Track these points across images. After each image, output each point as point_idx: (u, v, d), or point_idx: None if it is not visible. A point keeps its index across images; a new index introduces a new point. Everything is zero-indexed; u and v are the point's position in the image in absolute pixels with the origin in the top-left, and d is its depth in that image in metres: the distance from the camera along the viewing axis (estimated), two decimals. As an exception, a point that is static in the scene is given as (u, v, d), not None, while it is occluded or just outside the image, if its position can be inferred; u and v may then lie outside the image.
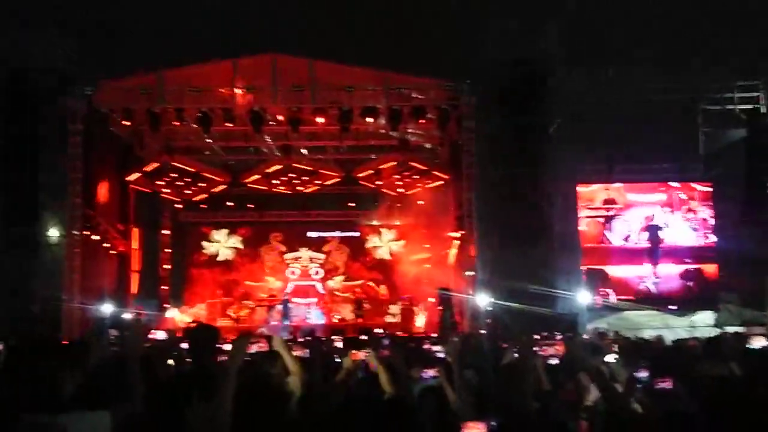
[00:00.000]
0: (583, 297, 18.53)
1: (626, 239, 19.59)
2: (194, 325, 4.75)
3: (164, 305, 23.56)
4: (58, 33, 18.75)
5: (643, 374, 4.53)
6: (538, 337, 10.52)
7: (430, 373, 5.26)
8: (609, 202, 19.65)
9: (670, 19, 23.85)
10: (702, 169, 20.16)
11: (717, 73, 19.61)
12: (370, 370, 5.44)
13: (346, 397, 4.66)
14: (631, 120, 19.25)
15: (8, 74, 18.09)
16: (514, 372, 4.48)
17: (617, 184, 19.88)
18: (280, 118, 20.09)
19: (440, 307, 19.93)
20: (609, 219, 19.61)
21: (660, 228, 19.45)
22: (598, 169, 20.35)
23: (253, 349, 4.41)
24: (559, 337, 9.55)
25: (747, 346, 6.59)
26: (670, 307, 19.08)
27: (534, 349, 4.41)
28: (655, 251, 19.34)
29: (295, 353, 5.30)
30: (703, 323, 18.76)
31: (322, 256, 25.65)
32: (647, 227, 19.48)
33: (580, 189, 19.68)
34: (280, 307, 23.16)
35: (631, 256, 19.57)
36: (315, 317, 23.93)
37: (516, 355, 5.20)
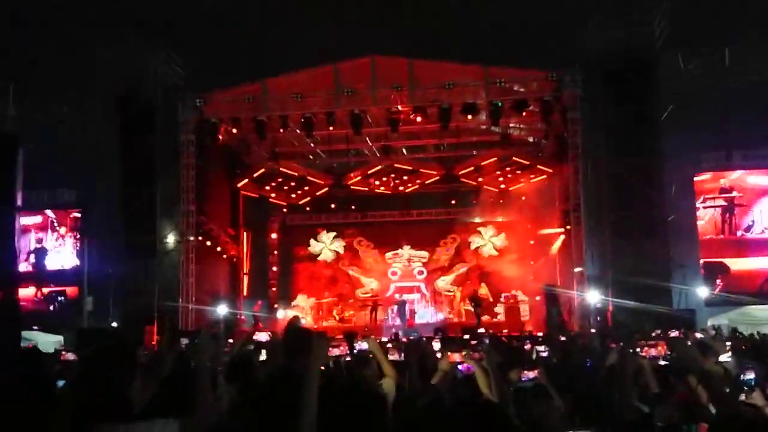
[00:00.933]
0: (701, 292, 17.47)
1: (748, 229, 18.29)
2: (287, 327, 4.78)
3: (274, 306, 24.29)
4: (167, 48, 19.77)
5: (749, 375, 4.13)
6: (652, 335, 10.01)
7: (530, 375, 5.06)
8: (727, 190, 18.40)
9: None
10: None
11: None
12: (468, 372, 5.31)
13: (440, 399, 4.55)
14: (750, 103, 17.97)
15: (123, 90, 19.25)
16: (616, 374, 4.22)
17: (738, 172, 18.58)
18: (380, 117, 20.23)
19: (546, 305, 19.33)
20: (728, 208, 18.36)
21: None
22: (716, 156, 19.15)
23: (335, 352, 4.38)
24: (674, 333, 9.02)
25: None
26: None
27: (636, 350, 4.11)
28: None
29: (391, 356, 5.26)
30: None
31: (425, 254, 25.49)
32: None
33: (697, 178, 18.57)
34: (395, 307, 23.15)
35: (756, 246, 18.25)
36: (422, 316, 23.77)
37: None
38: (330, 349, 4.09)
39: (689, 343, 6.30)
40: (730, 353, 5.67)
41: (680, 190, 18.73)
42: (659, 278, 16.81)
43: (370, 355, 5.18)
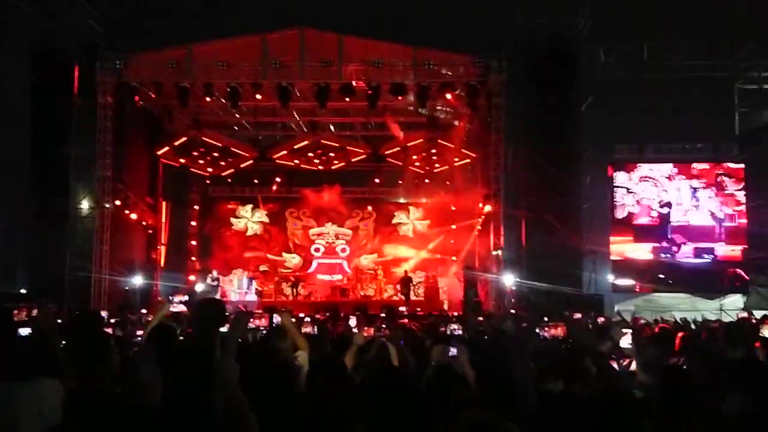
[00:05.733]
0: (610, 278, 18.31)
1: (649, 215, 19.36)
2: (202, 298, 4.78)
3: (190, 278, 23.89)
4: (87, 4, 18.80)
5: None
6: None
7: (454, 351, 5.20)
8: (640, 179, 19.33)
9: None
10: (737, 149, 19.65)
11: (755, 53, 18.99)
12: (383, 347, 5.43)
13: (354, 372, 4.66)
14: (666, 98, 18.82)
15: (37, 46, 18.18)
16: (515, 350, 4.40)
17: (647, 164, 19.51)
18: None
19: (465, 287, 19.81)
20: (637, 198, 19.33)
21: (671, 205, 19.13)
22: (631, 148, 19.99)
23: (255, 323, 4.41)
24: (577, 316, 9.44)
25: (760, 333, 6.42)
26: (686, 289, 18.78)
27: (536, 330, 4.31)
28: (665, 229, 19.05)
29: (304, 330, 5.33)
30: (732, 306, 18.42)
31: (349, 232, 25.61)
32: (665, 204, 19.20)
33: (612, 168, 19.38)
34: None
35: (654, 234, 19.25)
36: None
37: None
38: (250, 321, 4.10)
39: (590, 326, 6.60)
40: (630, 340, 5.95)
41: (596, 180, 19.47)
42: (571, 263, 17.48)
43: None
